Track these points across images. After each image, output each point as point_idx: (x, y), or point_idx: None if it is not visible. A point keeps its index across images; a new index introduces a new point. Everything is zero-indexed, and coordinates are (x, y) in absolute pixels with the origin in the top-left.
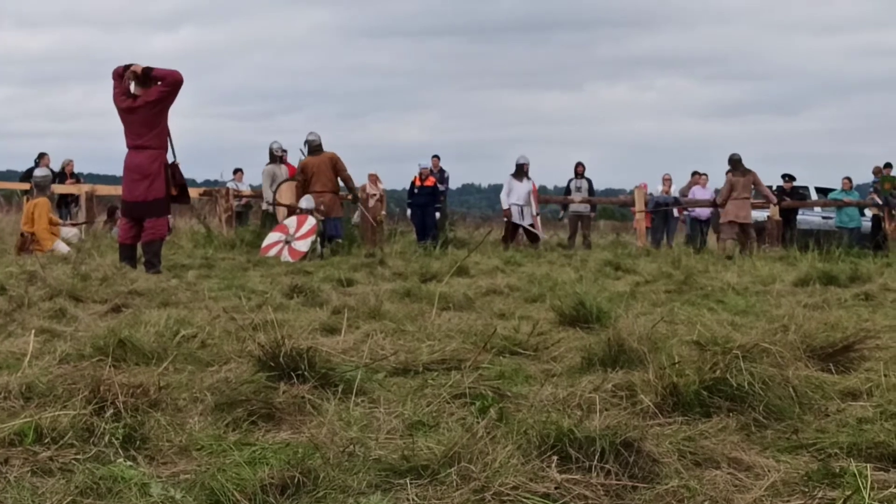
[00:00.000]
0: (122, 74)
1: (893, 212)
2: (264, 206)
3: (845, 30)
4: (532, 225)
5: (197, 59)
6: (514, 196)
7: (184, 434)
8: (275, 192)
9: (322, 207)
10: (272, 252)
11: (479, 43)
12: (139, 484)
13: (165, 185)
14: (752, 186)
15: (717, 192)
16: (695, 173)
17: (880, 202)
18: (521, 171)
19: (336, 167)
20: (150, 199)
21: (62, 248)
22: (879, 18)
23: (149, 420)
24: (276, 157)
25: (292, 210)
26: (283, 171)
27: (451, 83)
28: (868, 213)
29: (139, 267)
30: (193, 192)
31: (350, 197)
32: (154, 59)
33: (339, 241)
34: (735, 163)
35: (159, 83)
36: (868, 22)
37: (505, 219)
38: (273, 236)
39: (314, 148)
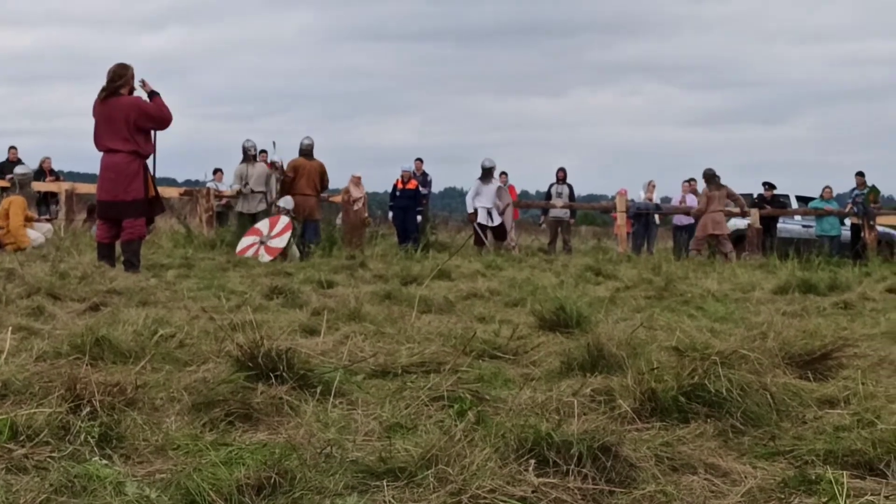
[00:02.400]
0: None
1: (872, 222)
2: (241, 208)
3: (828, 39)
4: (499, 226)
5: (182, 59)
6: (481, 199)
7: (160, 433)
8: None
9: (304, 210)
10: (248, 254)
11: (464, 47)
12: (114, 483)
13: (144, 186)
14: (728, 199)
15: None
16: (691, 180)
17: (856, 211)
18: (488, 174)
19: (323, 176)
20: (129, 200)
21: (36, 236)
22: (862, 28)
23: (125, 419)
24: (250, 157)
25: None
26: (256, 170)
27: (436, 87)
28: (848, 222)
29: (118, 266)
30: (174, 192)
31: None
32: (140, 59)
33: (316, 244)
34: (710, 177)
35: (152, 104)
36: (851, 32)
37: (471, 222)
38: (247, 240)
39: (307, 152)
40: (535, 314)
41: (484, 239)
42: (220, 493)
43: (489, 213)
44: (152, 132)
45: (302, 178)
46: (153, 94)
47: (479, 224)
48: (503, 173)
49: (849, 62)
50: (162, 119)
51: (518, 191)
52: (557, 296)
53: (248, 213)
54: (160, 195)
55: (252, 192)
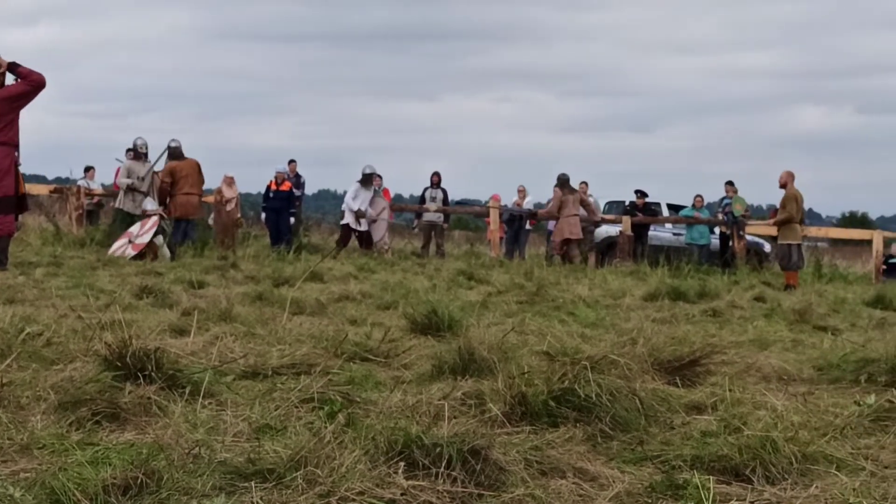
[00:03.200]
0: None
1: (741, 231)
2: (119, 204)
3: (700, 51)
4: (365, 233)
5: (54, 55)
6: (358, 203)
7: (25, 432)
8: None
9: (190, 209)
10: (117, 253)
11: (339, 50)
12: None
13: (15, 183)
14: (580, 205)
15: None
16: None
17: (724, 220)
18: (368, 181)
19: (200, 172)
20: (0, 196)
21: None
22: (733, 42)
23: None
24: (141, 155)
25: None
26: (145, 169)
27: (310, 89)
28: (717, 230)
29: None
30: (44, 189)
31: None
32: (10, 54)
33: (192, 240)
34: (564, 183)
35: (20, 80)
36: (722, 45)
37: (342, 223)
38: (118, 243)
39: (178, 154)
40: (407, 317)
41: (348, 240)
42: (86, 492)
43: (357, 219)
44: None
45: (181, 179)
46: (13, 67)
47: (348, 225)
48: (378, 176)
49: (720, 74)
50: (37, 85)
51: (392, 194)
52: (430, 299)
53: (130, 213)
54: (27, 192)
55: (137, 189)
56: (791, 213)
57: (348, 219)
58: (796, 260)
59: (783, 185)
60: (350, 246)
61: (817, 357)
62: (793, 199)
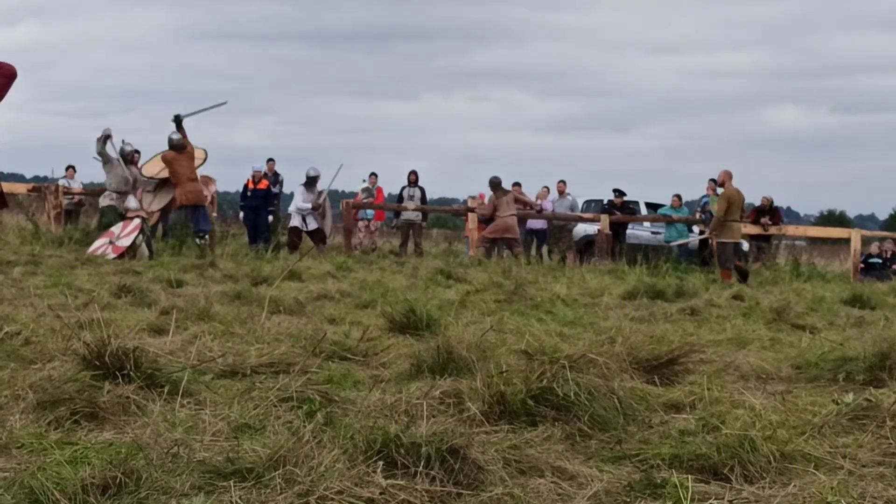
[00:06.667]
0: None
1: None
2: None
3: (677, 51)
4: (317, 230)
5: (35, 54)
6: (307, 205)
7: (4, 432)
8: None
9: (192, 196)
10: (98, 252)
11: (319, 49)
12: None
13: None
14: (517, 203)
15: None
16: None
17: (704, 218)
18: (312, 182)
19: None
20: None
21: None
22: (710, 42)
23: None
24: (126, 157)
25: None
26: (134, 171)
27: (289, 88)
28: (696, 229)
29: None
30: (22, 188)
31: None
32: None
33: (206, 233)
34: (496, 185)
35: None
36: (699, 45)
37: (290, 226)
38: (99, 241)
39: (180, 145)
40: (386, 316)
41: (297, 243)
42: (65, 492)
43: (304, 219)
44: None
45: (183, 168)
46: None
47: (296, 228)
48: (373, 174)
49: (697, 74)
50: (9, 77)
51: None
52: (408, 298)
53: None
54: (3, 191)
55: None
56: (721, 212)
57: (295, 221)
58: (731, 258)
59: (721, 184)
60: (308, 244)
61: (795, 356)
62: (725, 198)
